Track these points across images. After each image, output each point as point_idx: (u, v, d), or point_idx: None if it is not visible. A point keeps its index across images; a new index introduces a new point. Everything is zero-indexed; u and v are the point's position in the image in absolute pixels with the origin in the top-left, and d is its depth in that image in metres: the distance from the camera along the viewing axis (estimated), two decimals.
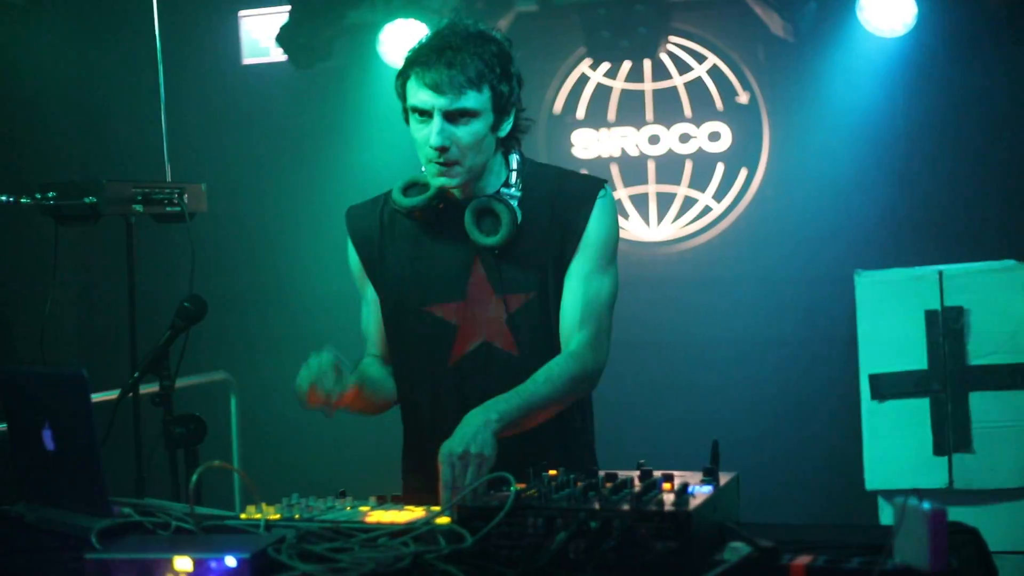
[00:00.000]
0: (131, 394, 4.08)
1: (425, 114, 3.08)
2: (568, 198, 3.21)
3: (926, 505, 2.07)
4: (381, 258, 3.28)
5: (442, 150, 3.06)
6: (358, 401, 3.13)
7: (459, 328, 3.22)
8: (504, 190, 3.19)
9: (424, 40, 3.14)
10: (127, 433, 4.39)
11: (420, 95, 3.06)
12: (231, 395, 6.73)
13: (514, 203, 3.16)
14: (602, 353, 3.23)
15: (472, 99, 3.05)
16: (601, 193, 3.23)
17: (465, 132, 3.07)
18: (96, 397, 2.84)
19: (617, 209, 3.34)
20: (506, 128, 3.17)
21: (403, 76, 3.13)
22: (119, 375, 4.06)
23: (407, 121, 3.16)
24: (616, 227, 3.28)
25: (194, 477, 2.52)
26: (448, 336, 3.23)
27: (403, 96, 3.14)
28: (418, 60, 3.08)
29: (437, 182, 3.13)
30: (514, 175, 3.22)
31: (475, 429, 2.84)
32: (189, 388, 5.57)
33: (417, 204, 3.19)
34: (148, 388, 3.92)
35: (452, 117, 3.05)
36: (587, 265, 3.20)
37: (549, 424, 3.14)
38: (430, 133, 3.06)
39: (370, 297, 3.36)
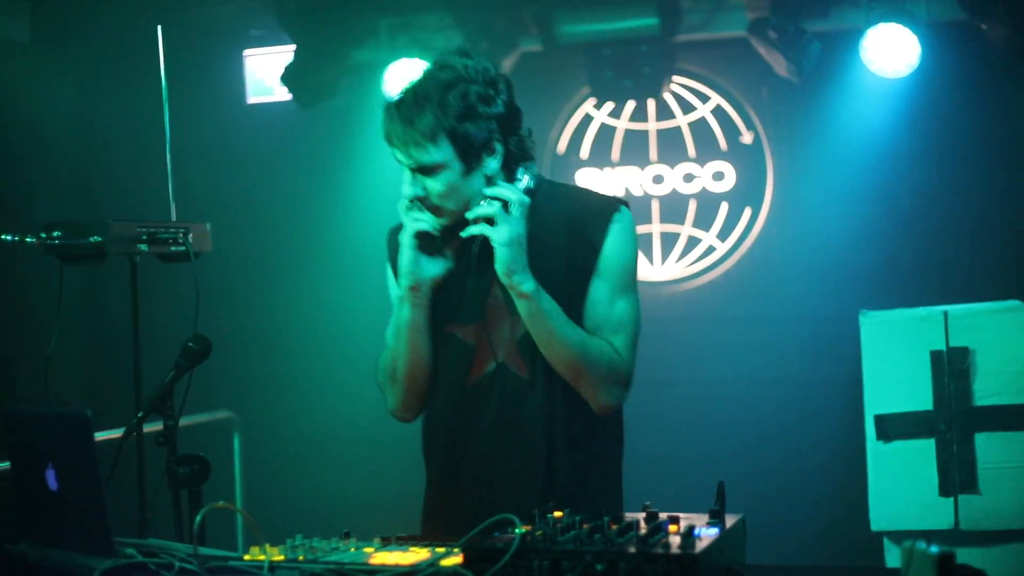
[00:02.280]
0: (135, 433, 4.07)
1: (403, 163, 3.15)
2: (584, 219, 3.21)
3: (934, 548, 2.05)
4: None
5: (419, 200, 3.13)
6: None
7: (476, 349, 3.23)
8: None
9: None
10: (131, 473, 4.38)
11: (393, 150, 3.13)
12: (234, 434, 6.71)
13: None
14: (632, 364, 3.27)
15: (431, 153, 3.07)
16: (617, 216, 3.22)
17: (435, 183, 3.11)
18: (100, 436, 2.84)
19: (635, 231, 3.29)
20: (492, 165, 3.15)
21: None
22: (123, 414, 4.03)
23: None
24: (634, 249, 3.26)
25: (198, 518, 2.51)
26: (467, 357, 3.25)
27: None
28: (386, 112, 3.13)
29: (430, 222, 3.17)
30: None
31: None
32: (192, 427, 5.56)
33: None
34: (152, 427, 3.90)
35: (422, 170, 3.10)
36: (607, 288, 3.20)
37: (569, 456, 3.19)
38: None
39: None
